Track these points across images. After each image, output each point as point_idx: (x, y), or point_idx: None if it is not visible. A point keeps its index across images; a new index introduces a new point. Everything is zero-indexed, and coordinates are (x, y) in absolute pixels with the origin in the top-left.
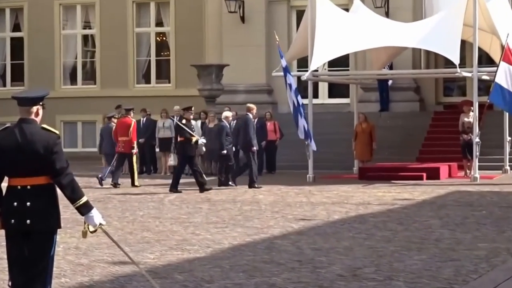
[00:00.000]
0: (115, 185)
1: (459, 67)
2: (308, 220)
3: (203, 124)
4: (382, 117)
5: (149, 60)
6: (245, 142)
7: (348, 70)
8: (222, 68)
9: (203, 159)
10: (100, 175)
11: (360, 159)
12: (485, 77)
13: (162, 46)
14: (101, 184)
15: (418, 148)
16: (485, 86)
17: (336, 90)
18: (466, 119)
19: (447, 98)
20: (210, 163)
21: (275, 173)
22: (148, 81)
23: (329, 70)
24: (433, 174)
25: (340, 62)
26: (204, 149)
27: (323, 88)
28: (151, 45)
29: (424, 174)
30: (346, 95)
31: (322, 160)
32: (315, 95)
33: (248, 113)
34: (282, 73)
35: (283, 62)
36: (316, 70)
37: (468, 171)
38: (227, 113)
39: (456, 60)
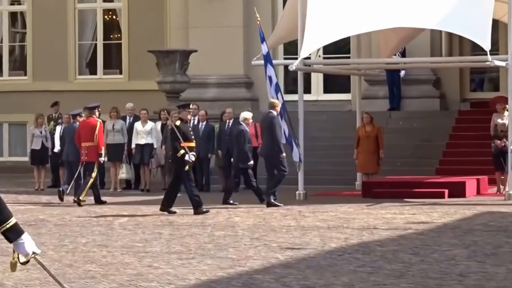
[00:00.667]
0: (79, 202)
1: (490, 54)
2: (298, 249)
3: (163, 126)
4: (392, 117)
5: (95, 45)
6: (269, 147)
7: (348, 57)
8: (188, 54)
9: (164, 171)
10: (62, 187)
11: (364, 171)
12: None
13: (111, 26)
14: (61, 198)
15: (438, 158)
16: None
17: (334, 83)
18: (499, 121)
19: (475, 94)
20: None
21: None
22: (93, 71)
23: (324, 58)
24: (457, 191)
25: (338, 48)
26: (162, 159)
27: (317, 80)
28: (98, 25)
29: (446, 191)
30: (346, 89)
31: (316, 172)
32: (307, 90)
33: (271, 110)
34: (263, 62)
35: (264, 48)
36: (308, 58)
37: (502, 186)
38: (247, 114)
39: (486, 45)
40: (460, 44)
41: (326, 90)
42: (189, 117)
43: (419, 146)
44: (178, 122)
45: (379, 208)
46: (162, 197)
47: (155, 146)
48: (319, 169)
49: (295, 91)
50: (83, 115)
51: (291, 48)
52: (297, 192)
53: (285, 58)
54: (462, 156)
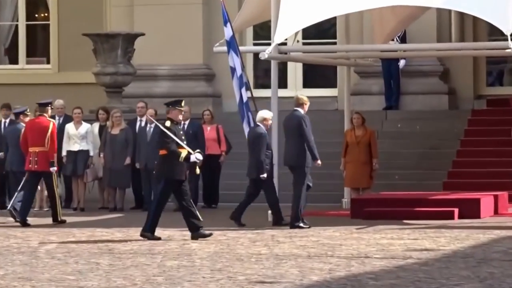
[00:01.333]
0: (23, 222)
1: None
2: (270, 283)
3: (102, 128)
4: (389, 119)
5: (16, 27)
6: (298, 154)
7: (335, 44)
8: (133, 39)
9: (102, 185)
10: (10, 206)
11: (354, 185)
12: None
13: (36, 5)
14: (14, 217)
15: (447, 169)
16: None
17: (316, 76)
18: None
19: (493, 89)
20: (115, 191)
21: (217, 208)
22: (14, 60)
23: (304, 44)
24: (470, 210)
25: (322, 32)
26: (100, 170)
27: (295, 72)
28: (19, 2)
29: (456, 210)
30: (331, 84)
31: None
32: (283, 84)
33: (297, 108)
34: (226, 49)
35: (228, 31)
36: (284, 44)
37: None
38: (266, 113)
39: (507, 28)
40: (474, 28)
41: (307, 85)
42: (180, 117)
43: (423, 154)
44: (168, 123)
45: (372, 231)
46: (100, 217)
47: (91, 153)
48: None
49: (267, 86)
50: (29, 113)
51: (263, 32)
52: (269, 211)
53: (255, 44)
54: (476, 166)
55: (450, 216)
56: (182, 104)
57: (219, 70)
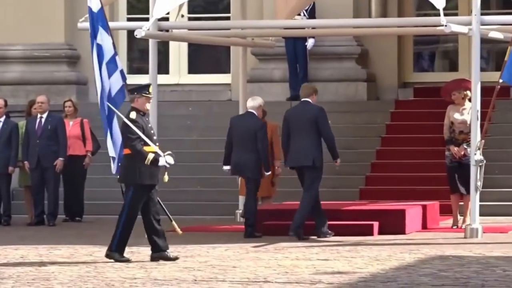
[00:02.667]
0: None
1: (445, 15)
2: None
3: None
4: None
5: None
6: (315, 152)
7: (228, 19)
8: None
9: None
10: None
11: None
12: (494, 35)
13: None
14: None
15: (364, 173)
16: (495, 53)
17: (205, 58)
18: (457, 116)
19: (422, 76)
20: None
21: (82, 221)
22: None
23: (190, 20)
24: (393, 224)
25: (212, 5)
26: None
27: (179, 54)
28: None
29: (375, 224)
30: (223, 68)
31: (177, 196)
32: (163, 69)
33: (307, 99)
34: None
35: (95, 2)
36: (166, 19)
37: (460, 217)
38: (258, 101)
39: (439, 2)
40: (399, 0)
41: (193, 70)
42: (148, 106)
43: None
44: (133, 114)
45: (272, 250)
46: None
47: None
48: (181, 190)
49: (144, 70)
50: None
51: (140, 5)
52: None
53: (129, 20)
54: (400, 170)
55: (368, 231)
56: (150, 89)
57: (85, 52)
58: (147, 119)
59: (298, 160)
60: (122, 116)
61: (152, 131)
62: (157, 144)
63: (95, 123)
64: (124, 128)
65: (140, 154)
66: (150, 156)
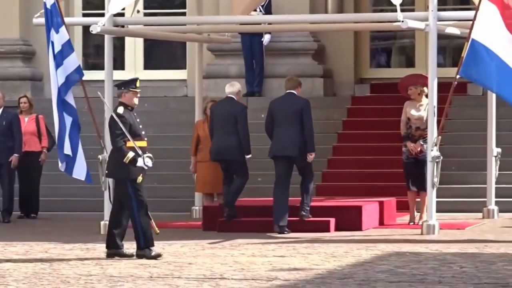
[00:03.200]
0: None
1: (402, 11)
2: None
3: None
4: (251, 107)
5: None
6: (300, 144)
7: (184, 15)
8: None
9: None
10: None
11: (206, 190)
12: (451, 31)
13: None
14: None
15: (321, 169)
16: (452, 49)
17: (161, 54)
18: (413, 112)
19: (378, 72)
20: None
21: (38, 218)
22: None
23: (146, 15)
24: (350, 220)
25: (168, 1)
26: None
27: (135, 50)
28: None
29: (332, 220)
30: (179, 64)
31: None
32: (119, 65)
33: (292, 91)
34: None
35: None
36: (122, 15)
37: (417, 214)
38: (236, 86)
39: None
40: None
41: (149, 65)
42: (135, 101)
43: None
44: (120, 109)
45: (228, 247)
46: None
47: None
48: None
49: (99, 66)
50: None
51: (95, 0)
52: (102, 222)
53: (84, 15)
54: (357, 167)
55: (325, 227)
56: (137, 84)
57: (40, 47)
58: (135, 114)
59: (286, 150)
60: (111, 111)
61: (140, 126)
62: (146, 139)
63: (50, 119)
64: (111, 123)
65: (120, 151)
66: (130, 154)
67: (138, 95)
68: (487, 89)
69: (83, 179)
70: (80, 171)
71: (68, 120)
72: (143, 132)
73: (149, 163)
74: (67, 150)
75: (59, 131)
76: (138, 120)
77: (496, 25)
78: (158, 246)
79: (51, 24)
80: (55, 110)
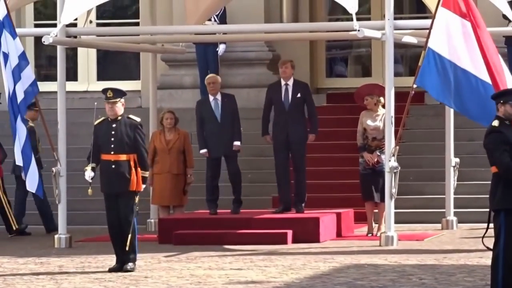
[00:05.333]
0: None
1: (358, 20)
2: None
3: None
4: None
5: None
6: (301, 130)
7: (137, 25)
8: None
9: None
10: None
11: (163, 203)
12: (408, 40)
13: None
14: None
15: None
16: (409, 58)
17: (114, 65)
18: (370, 123)
19: (334, 81)
20: None
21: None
22: None
23: (99, 25)
24: (307, 232)
25: (121, 10)
26: None
27: (88, 60)
28: None
29: (289, 232)
30: (133, 75)
31: (84, 205)
32: (72, 76)
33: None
34: None
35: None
36: (74, 25)
37: (375, 225)
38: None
39: (351, 5)
40: (311, 5)
41: (102, 76)
42: (108, 111)
43: (248, 162)
44: (98, 121)
45: (185, 259)
46: None
47: None
48: (91, 200)
49: (52, 77)
50: None
51: (47, 11)
52: (56, 236)
53: (36, 26)
54: (314, 178)
55: (282, 239)
56: (108, 94)
57: None
58: (114, 125)
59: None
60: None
61: (112, 139)
62: (112, 153)
63: (4, 131)
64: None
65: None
66: (88, 166)
67: (110, 105)
68: (438, 100)
69: (34, 191)
70: (32, 183)
71: (23, 131)
72: (112, 146)
73: (87, 176)
74: (19, 161)
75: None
76: (114, 132)
77: (455, 32)
78: (113, 260)
79: (5, 35)
80: (12, 122)
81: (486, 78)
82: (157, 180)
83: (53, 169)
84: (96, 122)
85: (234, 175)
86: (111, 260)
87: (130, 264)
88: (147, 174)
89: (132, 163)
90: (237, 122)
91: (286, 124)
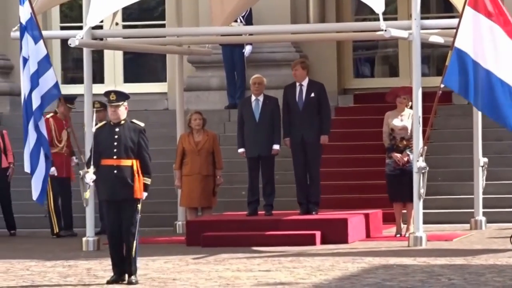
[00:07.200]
0: None
1: (385, 20)
2: None
3: None
4: (233, 119)
5: None
6: (316, 129)
7: (163, 27)
8: None
9: None
10: None
11: (192, 205)
12: (435, 39)
13: None
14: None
15: None
16: (436, 58)
17: (141, 67)
18: (396, 123)
19: (361, 82)
20: None
21: (16, 234)
22: None
23: (125, 28)
24: (336, 233)
25: (147, 13)
26: None
27: (114, 63)
28: None
29: (318, 233)
30: (160, 77)
31: None
32: (98, 78)
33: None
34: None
35: (25, 11)
36: (100, 28)
37: (403, 226)
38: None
39: (378, 6)
40: (337, 5)
41: (129, 79)
42: (111, 115)
43: (276, 163)
44: (98, 125)
45: (213, 262)
46: None
47: None
48: None
49: (78, 80)
50: None
51: (73, 13)
52: (84, 239)
53: (62, 28)
54: (341, 179)
55: (310, 241)
56: (111, 96)
57: (19, 62)
58: (117, 129)
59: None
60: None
61: (114, 143)
62: (115, 157)
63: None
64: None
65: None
66: (90, 169)
67: (112, 108)
68: (466, 99)
69: (34, 198)
70: (35, 189)
71: (33, 137)
72: (114, 150)
73: (87, 179)
74: (27, 167)
75: (25, 147)
76: (117, 136)
77: (481, 32)
78: (141, 262)
79: (27, 39)
80: (24, 127)
81: (510, 81)
82: (186, 182)
83: (81, 172)
84: (96, 126)
85: (266, 179)
86: (139, 262)
87: (134, 278)
88: (149, 181)
89: (135, 169)
90: (277, 125)
91: (301, 125)
